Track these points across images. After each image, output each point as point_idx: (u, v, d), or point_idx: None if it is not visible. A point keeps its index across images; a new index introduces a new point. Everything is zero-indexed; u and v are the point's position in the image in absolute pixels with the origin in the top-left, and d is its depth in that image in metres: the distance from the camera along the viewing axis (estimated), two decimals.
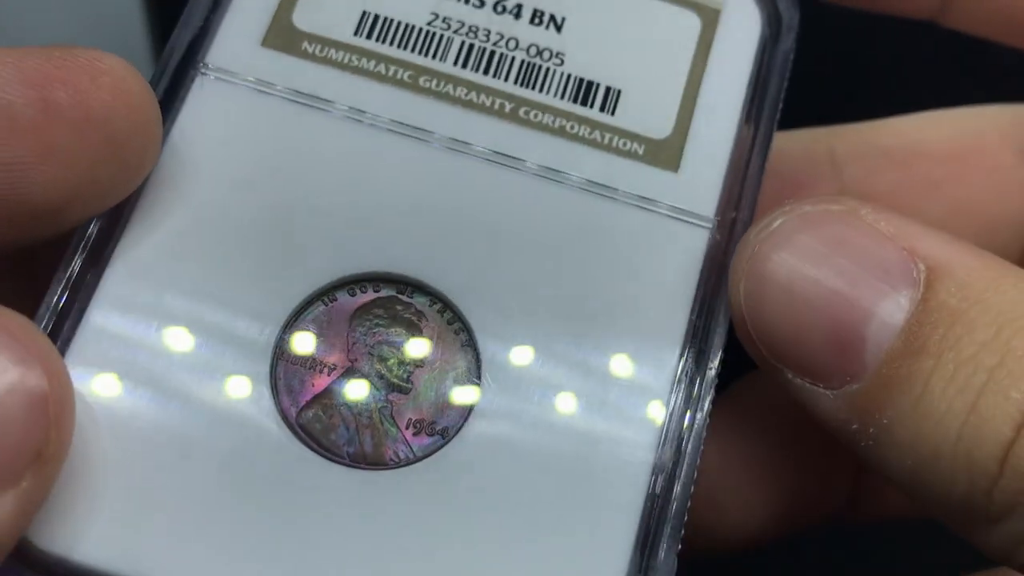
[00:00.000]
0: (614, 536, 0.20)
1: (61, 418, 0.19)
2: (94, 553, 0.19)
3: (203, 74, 0.23)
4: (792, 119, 0.26)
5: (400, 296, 0.22)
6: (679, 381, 0.22)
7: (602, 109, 0.24)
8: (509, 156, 0.23)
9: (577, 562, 0.20)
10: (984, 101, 0.29)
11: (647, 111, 0.24)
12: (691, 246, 0.23)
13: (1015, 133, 0.29)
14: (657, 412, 0.21)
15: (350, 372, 0.21)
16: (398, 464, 0.21)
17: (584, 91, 0.24)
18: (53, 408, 0.18)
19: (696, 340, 0.22)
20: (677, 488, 0.21)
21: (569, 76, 0.24)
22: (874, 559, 0.37)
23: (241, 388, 0.21)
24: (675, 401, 0.21)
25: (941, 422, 0.19)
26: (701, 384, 0.22)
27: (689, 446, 0.21)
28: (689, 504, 0.21)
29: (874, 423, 0.20)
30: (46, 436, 0.18)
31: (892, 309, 0.20)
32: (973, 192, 0.28)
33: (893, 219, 0.21)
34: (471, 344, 0.22)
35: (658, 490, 0.21)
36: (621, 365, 0.22)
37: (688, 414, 0.21)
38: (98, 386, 0.20)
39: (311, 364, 0.21)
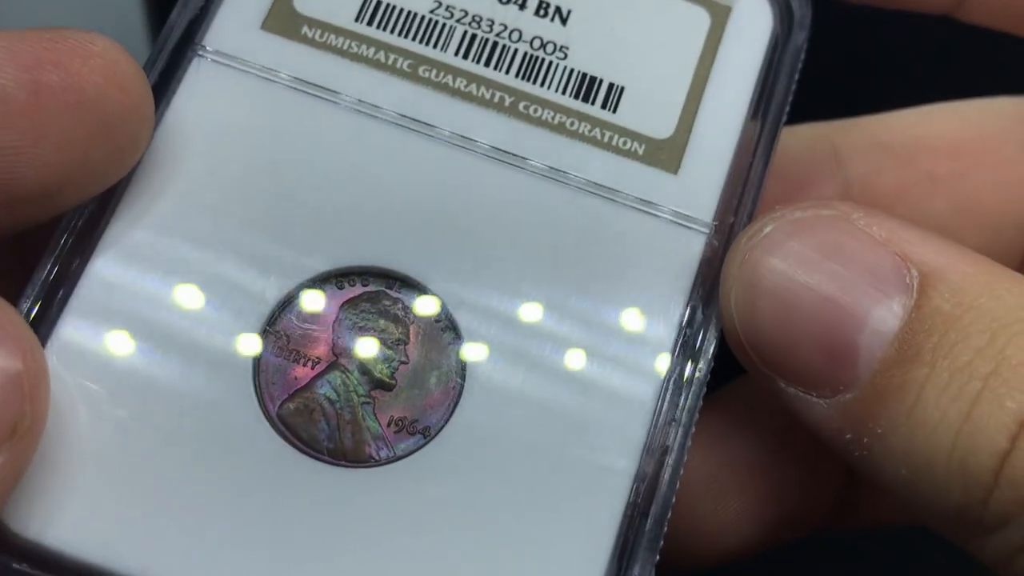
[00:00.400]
0: (592, 544, 0.20)
1: (36, 394, 0.19)
2: (67, 538, 0.19)
3: (200, 56, 0.23)
4: (798, 115, 0.25)
5: (388, 291, 0.22)
6: (666, 389, 0.21)
7: (604, 106, 0.23)
8: (506, 152, 0.23)
9: (553, 570, 0.20)
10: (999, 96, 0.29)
11: (650, 109, 0.23)
12: (687, 250, 0.22)
13: (1019, 126, 0.28)
14: (642, 420, 0.21)
15: (334, 366, 0.21)
16: (378, 463, 0.20)
17: (586, 87, 0.23)
18: (28, 384, 0.18)
19: (686, 348, 0.22)
20: (658, 498, 0.20)
21: (572, 71, 0.23)
22: (869, 559, 0.36)
23: (223, 379, 0.21)
24: (661, 410, 0.21)
25: (935, 431, 0.19)
26: (688, 394, 0.21)
27: (673, 456, 0.21)
28: (670, 515, 0.20)
29: (868, 432, 0.20)
30: (21, 411, 0.18)
31: (885, 316, 0.20)
32: (977, 187, 0.27)
33: (886, 223, 0.21)
34: (457, 343, 0.21)
35: (639, 499, 0.20)
36: (608, 372, 0.21)
37: (674, 423, 0.21)
38: (80, 371, 0.20)
39: (295, 357, 0.21)
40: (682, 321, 0.22)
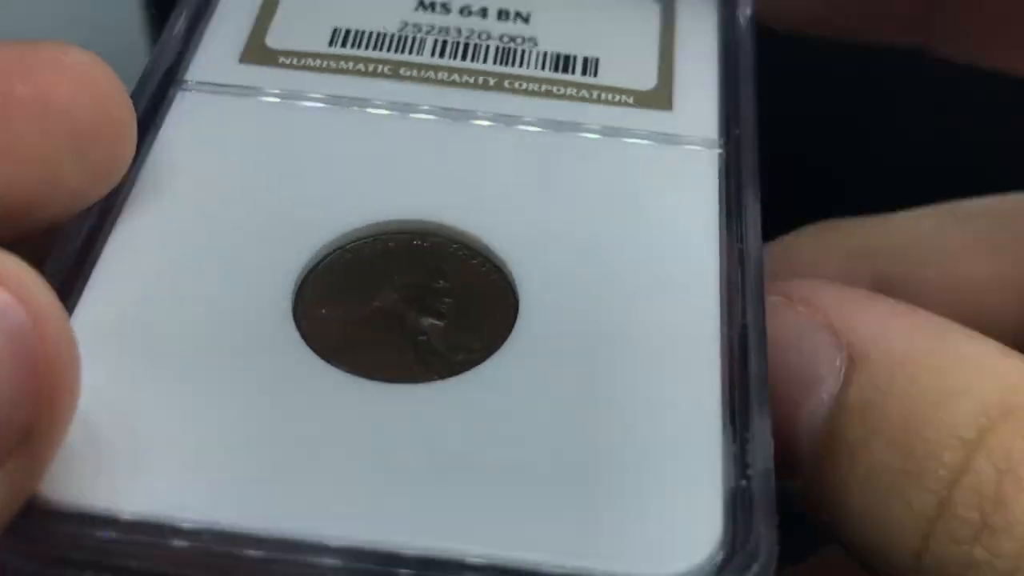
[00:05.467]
0: (701, 398, 0.18)
1: (60, 385, 0.16)
2: (117, 499, 0.17)
3: (184, 90, 0.23)
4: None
5: (422, 244, 0.21)
6: (722, 283, 0.20)
7: (584, 73, 0.24)
8: (506, 116, 0.23)
9: (669, 429, 0.18)
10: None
11: (628, 71, 0.24)
12: (705, 167, 0.22)
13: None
14: (713, 287, 0.20)
15: (377, 314, 0.20)
16: (444, 376, 0.19)
17: (563, 63, 0.24)
18: (49, 371, 0.16)
19: (732, 248, 0.21)
20: (751, 358, 0.19)
21: (546, 52, 0.24)
22: None
23: (264, 330, 0.19)
24: (723, 307, 0.20)
25: (862, 525, 0.19)
26: (745, 282, 0.20)
27: (752, 326, 0.20)
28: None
29: (825, 516, 0.20)
30: (36, 409, 0.16)
31: (816, 408, 0.20)
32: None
33: (827, 299, 0.20)
34: (500, 273, 0.20)
35: (734, 361, 0.19)
36: (661, 279, 0.20)
37: (741, 311, 0.20)
38: (105, 346, 0.18)
39: (336, 311, 0.20)
40: (720, 227, 0.21)
